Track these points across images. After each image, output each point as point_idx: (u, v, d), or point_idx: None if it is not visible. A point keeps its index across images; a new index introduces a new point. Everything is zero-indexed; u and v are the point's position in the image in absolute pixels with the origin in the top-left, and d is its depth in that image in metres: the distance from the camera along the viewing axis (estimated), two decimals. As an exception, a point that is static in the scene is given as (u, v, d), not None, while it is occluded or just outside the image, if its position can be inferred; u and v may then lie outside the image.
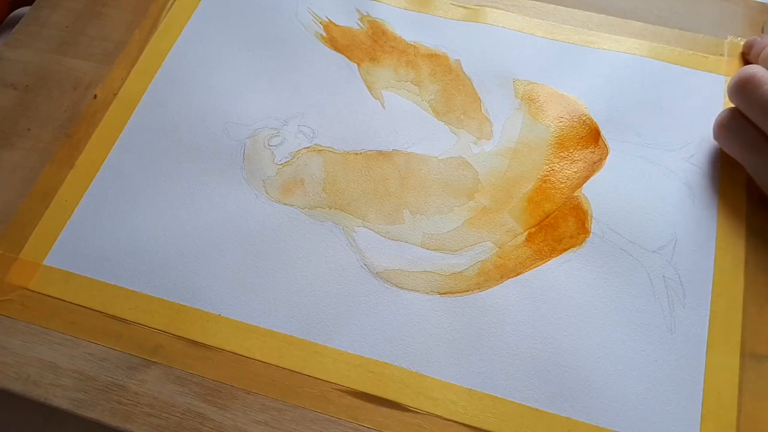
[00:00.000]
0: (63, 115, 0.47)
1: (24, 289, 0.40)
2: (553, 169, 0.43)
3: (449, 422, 0.36)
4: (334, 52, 0.49)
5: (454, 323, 0.39)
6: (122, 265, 0.41)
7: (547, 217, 0.42)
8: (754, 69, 0.39)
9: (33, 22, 0.51)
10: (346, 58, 0.49)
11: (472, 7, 0.50)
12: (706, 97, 0.45)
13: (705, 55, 0.47)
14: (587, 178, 0.43)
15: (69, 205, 0.43)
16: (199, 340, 0.39)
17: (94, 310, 0.40)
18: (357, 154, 0.45)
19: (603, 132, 0.45)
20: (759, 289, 0.39)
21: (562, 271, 0.40)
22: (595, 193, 0.42)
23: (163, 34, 0.50)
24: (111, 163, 0.45)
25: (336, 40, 0.50)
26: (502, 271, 0.40)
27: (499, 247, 0.41)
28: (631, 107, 0.45)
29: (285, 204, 0.43)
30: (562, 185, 0.43)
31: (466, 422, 0.36)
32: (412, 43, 0.49)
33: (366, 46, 0.49)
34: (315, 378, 0.37)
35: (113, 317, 0.39)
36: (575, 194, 0.42)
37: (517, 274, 0.40)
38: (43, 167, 0.45)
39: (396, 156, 0.45)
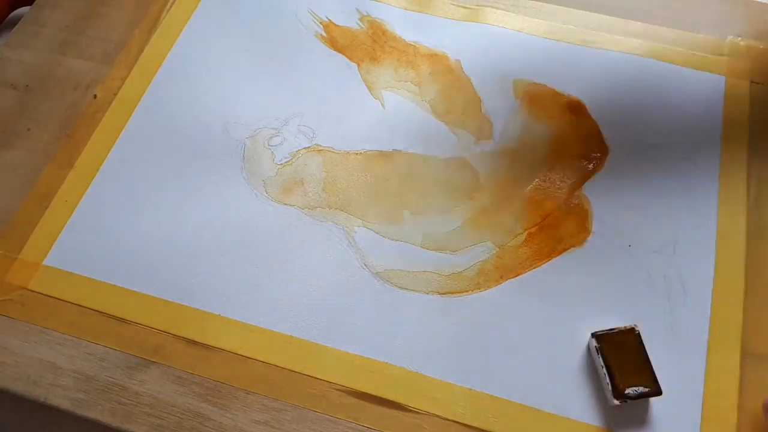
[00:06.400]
0: (63, 115, 0.47)
1: (24, 289, 0.40)
2: (553, 169, 0.43)
3: (449, 422, 0.36)
4: (334, 52, 0.49)
5: (454, 323, 0.39)
6: (122, 265, 0.41)
7: (547, 216, 0.42)
8: None
9: (33, 22, 0.51)
10: (346, 58, 0.49)
11: (472, 7, 0.50)
12: (706, 97, 0.45)
13: (705, 55, 0.47)
14: (587, 177, 0.43)
15: (69, 205, 0.43)
16: (199, 340, 0.39)
17: (94, 310, 0.40)
18: (357, 154, 0.45)
19: (603, 132, 0.45)
20: (759, 289, 0.39)
21: (562, 270, 0.40)
22: (595, 193, 0.42)
23: (163, 34, 0.50)
24: (111, 163, 0.45)
25: (336, 40, 0.50)
26: (502, 271, 0.40)
27: (499, 247, 0.41)
28: (631, 107, 0.45)
29: (285, 204, 0.43)
30: (563, 185, 0.43)
31: (466, 422, 0.36)
32: (412, 43, 0.49)
33: (366, 46, 0.49)
34: (315, 378, 0.37)
35: (113, 317, 0.39)
36: (575, 194, 0.42)
37: (517, 275, 0.40)
38: (43, 167, 0.45)
39: (396, 156, 0.45)
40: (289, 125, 0.46)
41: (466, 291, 0.40)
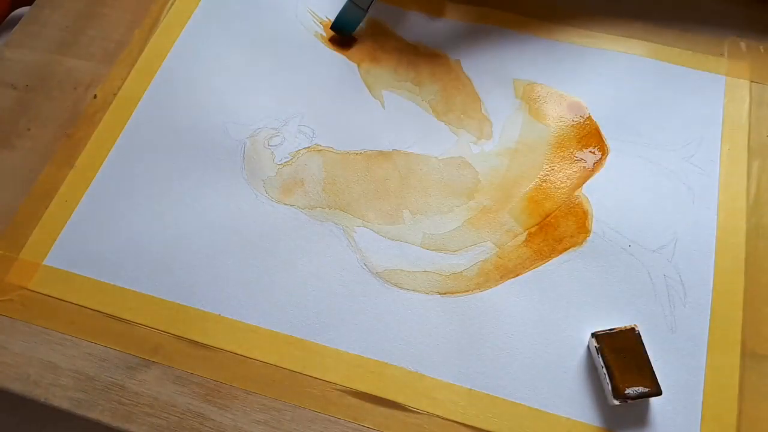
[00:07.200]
0: (63, 115, 0.47)
1: (24, 289, 0.40)
2: (553, 169, 0.43)
3: (449, 422, 0.36)
4: (334, 52, 0.49)
5: (454, 323, 0.39)
6: (122, 265, 0.41)
7: (548, 216, 0.42)
8: None
9: (33, 22, 0.51)
10: (346, 58, 0.49)
11: (473, 7, 0.50)
12: (706, 97, 0.45)
13: (705, 55, 0.47)
14: (587, 177, 0.43)
15: (69, 205, 0.43)
16: (199, 340, 0.39)
17: (94, 310, 0.40)
18: (357, 154, 0.45)
19: (603, 132, 0.45)
20: (759, 289, 0.39)
21: (562, 270, 0.40)
22: (595, 192, 0.42)
23: (163, 34, 0.50)
24: (111, 163, 0.45)
25: (336, 39, 0.50)
26: (502, 271, 0.40)
27: (499, 248, 0.41)
28: (631, 107, 0.45)
29: (285, 204, 0.43)
30: (563, 185, 0.43)
31: (466, 422, 0.36)
32: (412, 43, 0.49)
33: (366, 46, 0.49)
34: (315, 378, 0.37)
35: (113, 317, 0.39)
36: (575, 194, 0.42)
37: (517, 275, 0.40)
38: (43, 167, 0.45)
39: (396, 156, 0.45)
40: (289, 125, 0.46)
41: (466, 291, 0.40)
